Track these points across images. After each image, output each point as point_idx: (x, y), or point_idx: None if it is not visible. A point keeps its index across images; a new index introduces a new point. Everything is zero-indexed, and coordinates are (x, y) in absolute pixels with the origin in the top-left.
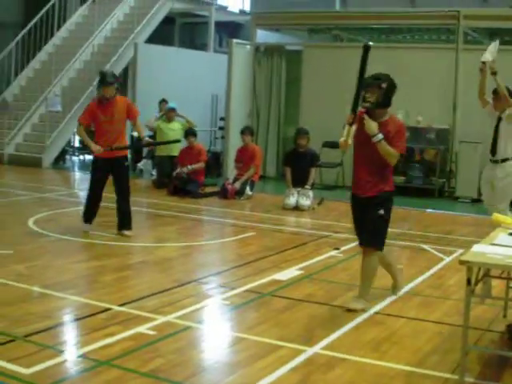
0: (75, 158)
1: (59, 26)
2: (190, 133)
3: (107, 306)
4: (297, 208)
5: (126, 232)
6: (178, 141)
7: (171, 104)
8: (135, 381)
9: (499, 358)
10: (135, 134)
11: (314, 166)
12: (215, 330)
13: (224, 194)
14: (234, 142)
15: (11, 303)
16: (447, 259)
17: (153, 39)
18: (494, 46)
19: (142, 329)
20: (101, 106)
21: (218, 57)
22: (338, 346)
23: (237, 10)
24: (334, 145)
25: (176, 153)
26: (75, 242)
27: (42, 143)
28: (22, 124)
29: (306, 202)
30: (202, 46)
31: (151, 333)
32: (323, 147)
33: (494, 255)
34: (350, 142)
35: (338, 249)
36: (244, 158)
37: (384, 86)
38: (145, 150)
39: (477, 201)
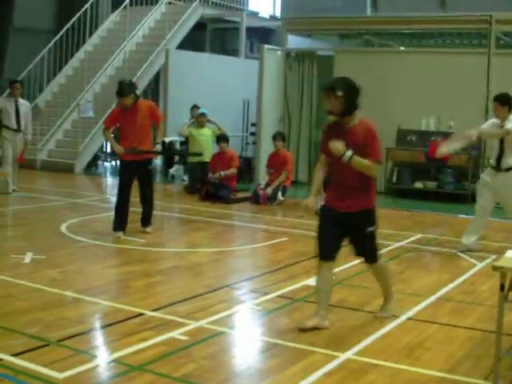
0: (107, 164)
1: (91, 33)
2: (221, 138)
3: (140, 311)
4: None
5: (147, 229)
6: (199, 154)
7: (202, 110)
8: None
9: None
10: (166, 139)
11: None
12: (247, 336)
13: (256, 199)
14: (266, 148)
15: (45, 308)
16: (480, 265)
17: (184, 45)
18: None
19: (175, 334)
20: (123, 112)
21: (249, 62)
22: (370, 352)
23: (267, 16)
24: None
25: (208, 159)
26: (107, 248)
27: (75, 149)
28: (54, 130)
29: None
30: (233, 52)
31: (183, 338)
32: None
33: None
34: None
35: None
36: (276, 163)
37: (340, 94)
38: (177, 156)
39: None
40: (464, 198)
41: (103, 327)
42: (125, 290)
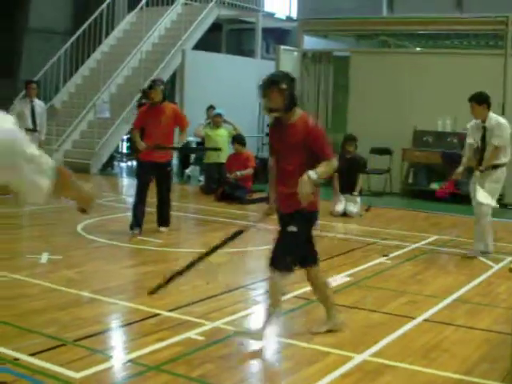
0: (123, 164)
1: (107, 34)
2: (236, 139)
3: (156, 311)
4: (344, 214)
5: (162, 228)
6: (218, 149)
7: (218, 110)
8: None
9: None
10: (190, 138)
11: (362, 173)
12: (263, 336)
13: None
14: None
15: (61, 308)
16: (496, 267)
17: (200, 46)
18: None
19: (191, 334)
20: (150, 111)
21: (265, 63)
22: (386, 353)
23: (283, 17)
24: (381, 151)
25: (223, 159)
26: (124, 248)
27: (91, 149)
28: (70, 130)
29: (353, 208)
30: (249, 53)
31: (200, 338)
32: (371, 153)
33: None
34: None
35: (386, 255)
36: None
37: (284, 86)
38: (192, 157)
39: None
40: None
41: (120, 327)
42: (141, 290)
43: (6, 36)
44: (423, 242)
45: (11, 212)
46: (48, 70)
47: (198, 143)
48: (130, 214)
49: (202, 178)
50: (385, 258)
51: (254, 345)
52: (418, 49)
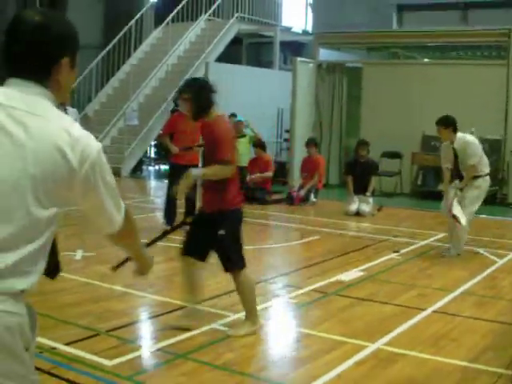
0: (151, 168)
1: (136, 48)
2: (257, 144)
3: (183, 304)
4: (358, 214)
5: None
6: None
7: (239, 117)
8: (210, 373)
9: None
10: None
11: (374, 175)
12: (283, 327)
13: (290, 200)
14: (299, 153)
15: (95, 301)
16: (500, 262)
17: (222, 58)
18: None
19: (216, 325)
20: (180, 118)
21: (283, 74)
22: (398, 342)
23: (300, 31)
24: (392, 155)
25: (245, 163)
26: (153, 245)
27: (121, 154)
28: (102, 137)
29: (366, 208)
30: (268, 64)
31: (224, 329)
32: (382, 157)
33: None
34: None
35: (397, 251)
36: (309, 167)
37: (186, 96)
38: None
39: None
40: (484, 200)
41: (149, 318)
42: (169, 284)
43: None
44: (431, 239)
45: None
46: (81, 81)
47: None
48: (158, 213)
49: None
50: (396, 254)
51: (275, 335)
52: (426, 60)
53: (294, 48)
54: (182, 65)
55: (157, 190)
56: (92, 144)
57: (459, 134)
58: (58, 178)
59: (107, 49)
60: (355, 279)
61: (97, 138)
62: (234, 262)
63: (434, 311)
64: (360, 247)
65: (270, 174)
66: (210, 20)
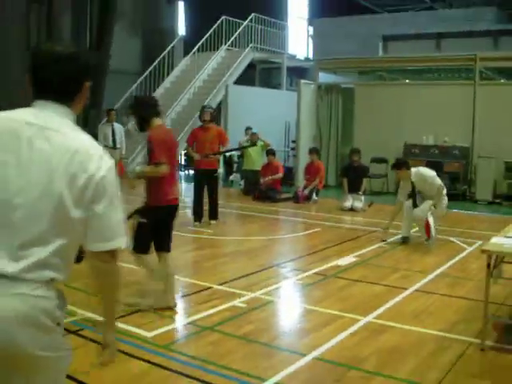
0: (181, 173)
1: (168, 73)
2: (269, 152)
3: (209, 285)
4: (352, 209)
5: (212, 221)
6: (253, 144)
7: (254, 130)
8: (232, 342)
9: None
10: (227, 154)
11: (365, 177)
12: (291, 304)
13: (296, 199)
14: (303, 159)
15: (138, 283)
16: (469, 248)
17: (239, 81)
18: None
19: (236, 302)
20: (201, 130)
21: (290, 94)
22: (385, 316)
23: (303, 58)
24: (379, 160)
25: (258, 167)
26: (184, 237)
27: None
28: (141, 147)
29: (359, 204)
30: (277, 86)
31: (242, 305)
32: (371, 162)
33: (509, 245)
34: None
35: (384, 241)
36: (311, 171)
37: (130, 112)
38: (235, 166)
39: (492, 203)
40: (456, 197)
41: (181, 297)
42: (198, 269)
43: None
44: (413, 230)
45: None
46: (123, 103)
47: (238, 156)
48: (187, 211)
49: (242, 183)
50: (383, 242)
51: (284, 310)
52: (407, 81)
53: (298, 72)
54: (206, 87)
55: (186, 191)
56: (105, 159)
57: (413, 169)
58: (78, 185)
59: (144, 75)
60: (350, 264)
61: (136, 148)
62: (134, 244)
63: (415, 290)
64: (354, 237)
65: (280, 175)
66: (228, 50)
